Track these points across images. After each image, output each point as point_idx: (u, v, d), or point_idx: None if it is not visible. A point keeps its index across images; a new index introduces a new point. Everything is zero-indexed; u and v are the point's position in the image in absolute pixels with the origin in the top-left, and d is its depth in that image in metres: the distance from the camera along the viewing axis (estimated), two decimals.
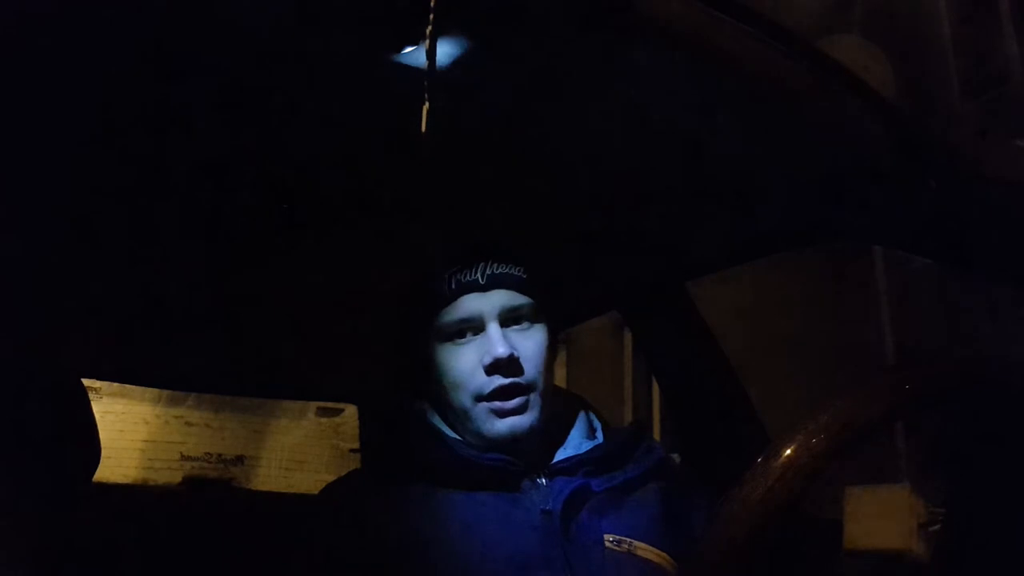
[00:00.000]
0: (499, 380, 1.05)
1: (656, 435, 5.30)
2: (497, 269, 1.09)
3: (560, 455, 1.10)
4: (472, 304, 1.07)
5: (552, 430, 1.12)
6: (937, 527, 0.77)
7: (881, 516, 0.77)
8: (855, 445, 0.66)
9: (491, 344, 1.05)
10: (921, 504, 0.76)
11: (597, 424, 1.16)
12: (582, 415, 1.16)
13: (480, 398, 1.05)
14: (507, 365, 1.04)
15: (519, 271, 1.10)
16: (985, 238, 1.03)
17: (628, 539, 1.04)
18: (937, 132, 0.98)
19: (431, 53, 0.71)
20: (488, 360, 1.05)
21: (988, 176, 0.96)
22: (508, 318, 1.08)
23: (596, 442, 1.13)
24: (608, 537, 1.03)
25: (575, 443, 1.12)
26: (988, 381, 0.76)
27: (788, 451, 0.64)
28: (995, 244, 1.03)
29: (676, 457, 1.64)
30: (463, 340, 1.07)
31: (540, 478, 1.06)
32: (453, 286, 1.08)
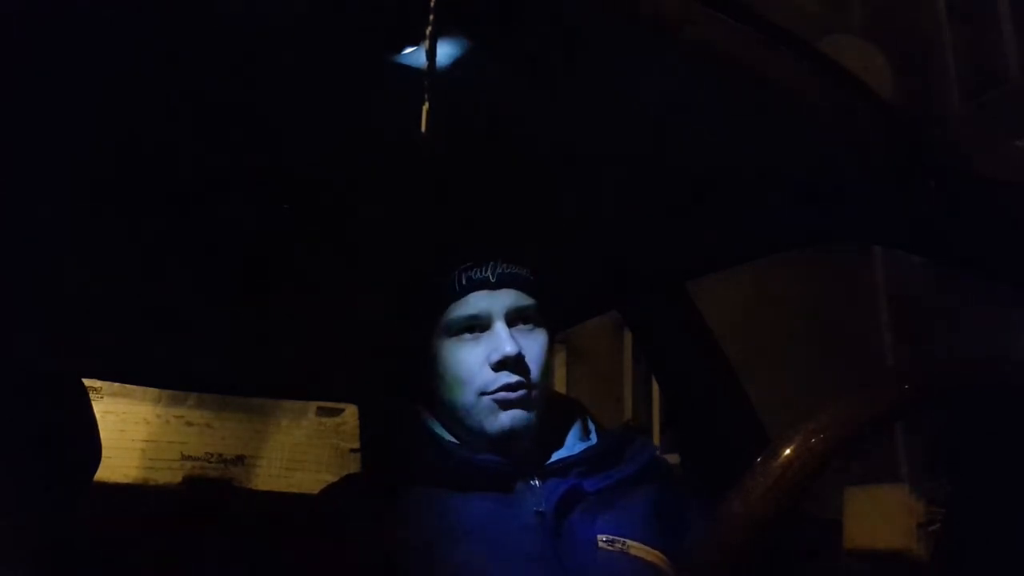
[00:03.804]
0: (506, 377, 1.05)
1: (656, 435, 5.31)
2: (507, 269, 1.10)
3: (553, 457, 1.11)
4: (481, 301, 1.08)
5: (546, 432, 1.13)
6: (937, 527, 0.77)
7: (881, 516, 0.78)
8: (855, 445, 0.66)
9: (500, 342, 1.06)
10: (921, 504, 0.76)
11: (591, 425, 1.17)
12: (576, 418, 1.17)
13: (485, 393, 1.06)
14: (515, 363, 1.05)
15: (527, 272, 1.11)
16: (984, 238, 1.03)
17: (621, 538, 1.04)
18: (936, 132, 0.97)
19: (431, 53, 0.71)
20: (496, 357, 1.05)
21: (987, 176, 0.96)
22: (515, 318, 1.09)
23: (589, 443, 1.13)
24: (601, 537, 1.04)
25: (568, 444, 1.13)
26: (988, 381, 0.76)
27: (788, 451, 0.64)
28: (994, 244, 1.04)
29: (676, 457, 1.64)
30: (469, 337, 1.08)
31: (533, 479, 1.07)
32: (464, 282, 1.09)
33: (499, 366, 1.05)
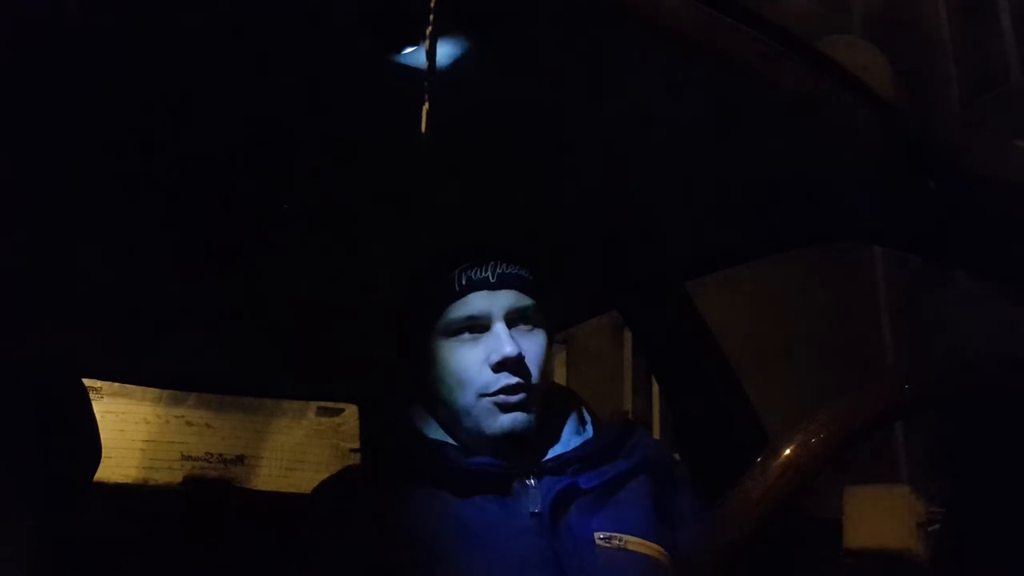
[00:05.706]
0: (506, 379, 1.05)
1: (656, 434, 5.31)
2: (507, 269, 1.09)
3: (550, 453, 1.10)
4: (481, 302, 1.07)
5: (543, 427, 1.12)
6: (937, 527, 0.77)
7: (881, 516, 0.77)
8: (854, 445, 0.66)
9: (500, 343, 1.05)
10: (921, 504, 0.76)
11: (587, 417, 1.16)
12: (572, 410, 1.16)
13: (484, 395, 1.06)
14: (514, 364, 1.05)
15: (527, 272, 1.10)
16: (984, 238, 1.03)
17: (619, 534, 1.04)
18: (936, 132, 0.97)
19: (431, 53, 0.71)
20: (496, 358, 1.05)
21: (987, 176, 0.96)
22: (514, 318, 1.08)
23: (585, 437, 1.12)
24: (599, 535, 1.03)
25: (564, 440, 1.12)
26: (988, 382, 0.76)
27: (788, 451, 0.64)
28: (994, 244, 1.04)
29: (676, 457, 1.64)
30: (468, 337, 1.07)
31: (529, 479, 1.06)
32: (463, 282, 1.08)
33: (499, 367, 1.05)
